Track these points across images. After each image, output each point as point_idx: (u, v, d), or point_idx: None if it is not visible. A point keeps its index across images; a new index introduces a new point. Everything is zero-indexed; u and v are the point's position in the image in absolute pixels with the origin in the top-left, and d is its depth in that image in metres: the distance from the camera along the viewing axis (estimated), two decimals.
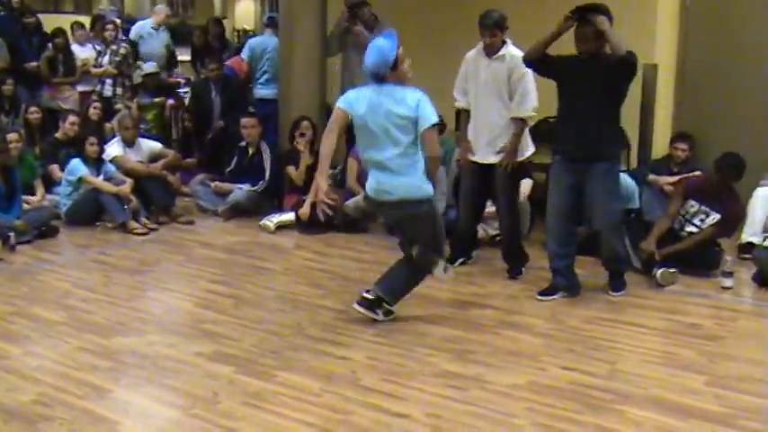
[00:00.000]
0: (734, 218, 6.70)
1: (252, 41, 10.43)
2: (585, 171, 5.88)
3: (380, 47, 5.18)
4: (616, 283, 6.15)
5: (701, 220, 6.67)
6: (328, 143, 5.24)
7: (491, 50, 6.36)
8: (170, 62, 11.44)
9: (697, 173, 7.35)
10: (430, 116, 5.13)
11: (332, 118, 5.35)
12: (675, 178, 7.36)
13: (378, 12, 8.55)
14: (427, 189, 5.26)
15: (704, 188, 6.75)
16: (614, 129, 6.04)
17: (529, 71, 6.23)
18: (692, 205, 6.71)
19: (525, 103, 6.32)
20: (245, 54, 10.13)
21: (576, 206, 6.04)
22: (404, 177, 5.20)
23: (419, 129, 5.14)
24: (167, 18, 11.73)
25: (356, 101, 5.25)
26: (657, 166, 7.90)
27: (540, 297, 6.10)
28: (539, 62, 5.96)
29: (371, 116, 5.18)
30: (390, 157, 5.18)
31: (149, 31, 11.31)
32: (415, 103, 5.13)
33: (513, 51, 6.32)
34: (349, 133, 8.61)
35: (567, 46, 5.86)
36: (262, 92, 9.96)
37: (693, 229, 6.67)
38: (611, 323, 5.54)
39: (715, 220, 6.62)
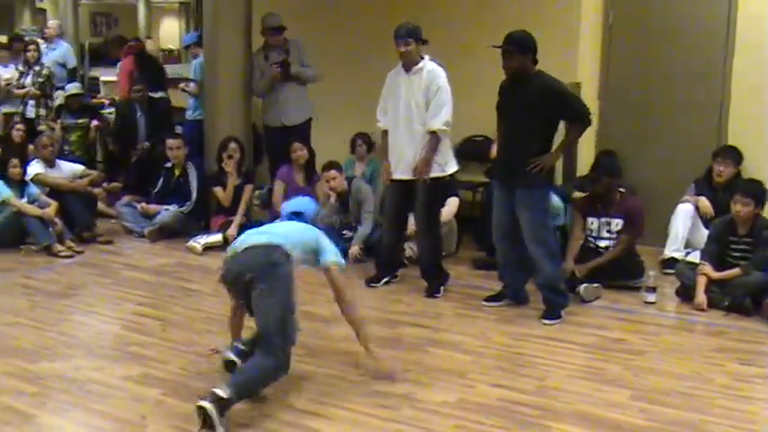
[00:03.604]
0: (634, 214, 6.81)
1: (202, 62, 9.34)
2: (513, 195, 5.96)
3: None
4: (549, 311, 6.00)
5: (609, 231, 6.82)
6: None
7: (408, 64, 6.40)
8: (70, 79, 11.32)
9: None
10: None
11: None
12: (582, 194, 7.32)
13: (303, 33, 8.55)
14: None
15: (593, 202, 6.94)
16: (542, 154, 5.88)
17: (445, 85, 6.30)
18: (592, 222, 6.88)
19: (438, 115, 6.32)
20: (196, 74, 9.62)
21: (515, 224, 6.06)
22: None
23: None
24: (53, 32, 11.74)
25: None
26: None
27: (485, 303, 6.30)
28: None
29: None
30: None
31: (43, 50, 11.12)
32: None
33: (430, 66, 6.38)
34: (271, 154, 8.70)
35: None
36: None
37: (607, 243, 6.82)
38: (538, 340, 5.61)
39: (620, 226, 6.79)
